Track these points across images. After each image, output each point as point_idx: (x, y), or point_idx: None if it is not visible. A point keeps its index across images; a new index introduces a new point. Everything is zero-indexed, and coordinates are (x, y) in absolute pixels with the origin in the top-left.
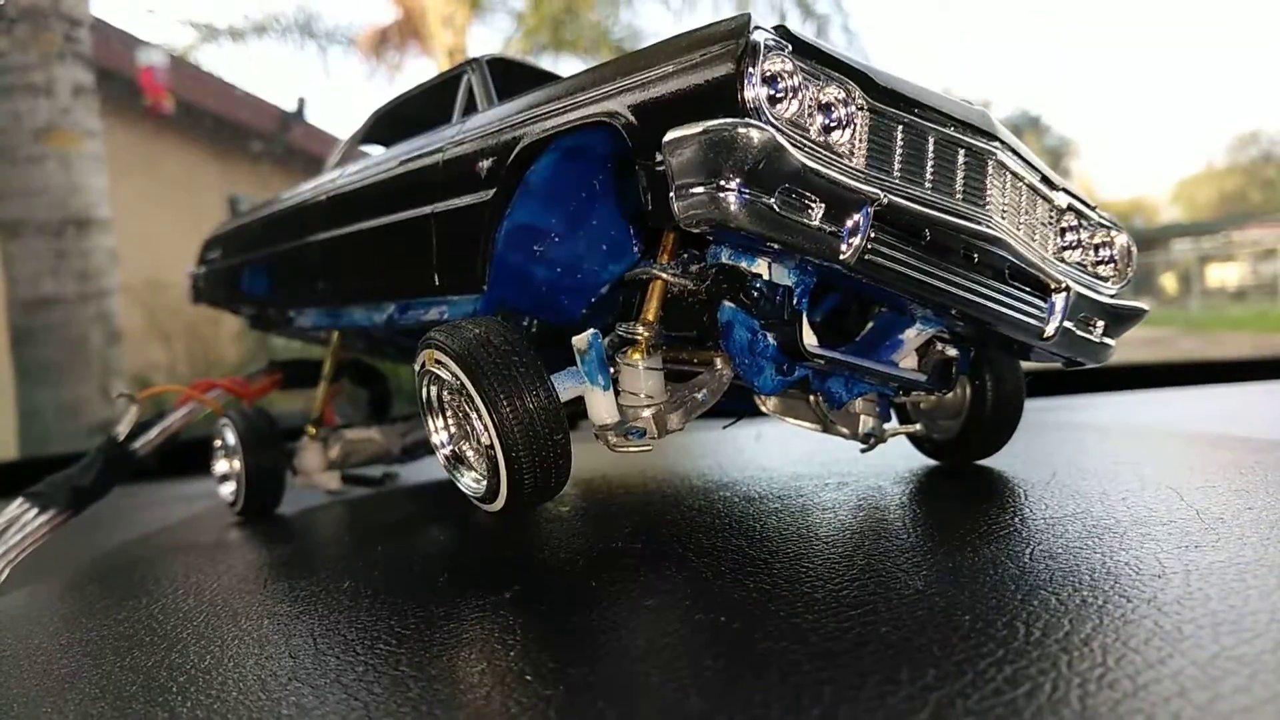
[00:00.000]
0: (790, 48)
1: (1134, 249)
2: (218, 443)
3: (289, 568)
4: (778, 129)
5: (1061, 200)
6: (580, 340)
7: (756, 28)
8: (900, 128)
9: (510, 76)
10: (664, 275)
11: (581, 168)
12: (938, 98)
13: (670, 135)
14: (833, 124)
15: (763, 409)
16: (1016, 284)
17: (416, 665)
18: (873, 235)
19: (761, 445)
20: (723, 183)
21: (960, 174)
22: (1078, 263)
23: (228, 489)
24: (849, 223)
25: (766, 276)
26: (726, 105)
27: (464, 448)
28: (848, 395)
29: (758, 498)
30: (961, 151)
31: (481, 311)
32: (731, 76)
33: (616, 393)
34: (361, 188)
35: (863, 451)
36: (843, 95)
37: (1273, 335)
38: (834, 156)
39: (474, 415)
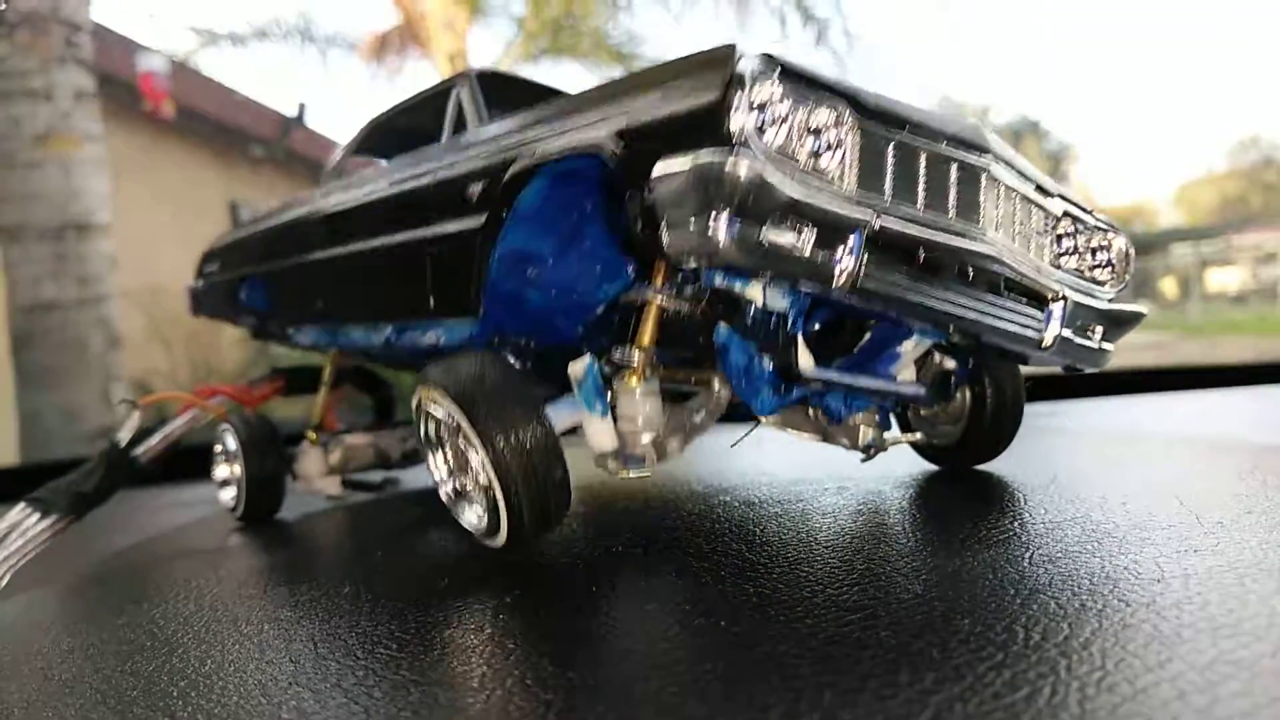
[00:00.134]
0: (777, 72)
1: (1131, 251)
2: (218, 448)
3: (289, 572)
4: (766, 159)
5: (1057, 207)
6: (576, 368)
7: (742, 55)
8: (891, 147)
9: (500, 89)
10: (658, 299)
11: (572, 191)
12: (928, 114)
13: (658, 169)
14: (822, 148)
15: (761, 419)
16: (1013, 296)
17: (417, 670)
18: (866, 259)
19: (761, 450)
20: (711, 217)
21: (953, 191)
22: (1074, 269)
23: (228, 494)
24: (841, 249)
25: (761, 302)
26: (713, 135)
27: (464, 483)
28: (847, 411)
29: (758, 502)
30: (953, 167)
31: (478, 336)
32: (718, 106)
33: (614, 419)
34: (356, 208)
35: (863, 461)
36: (831, 118)
37: (1273, 339)
38: (824, 182)
39: (471, 453)
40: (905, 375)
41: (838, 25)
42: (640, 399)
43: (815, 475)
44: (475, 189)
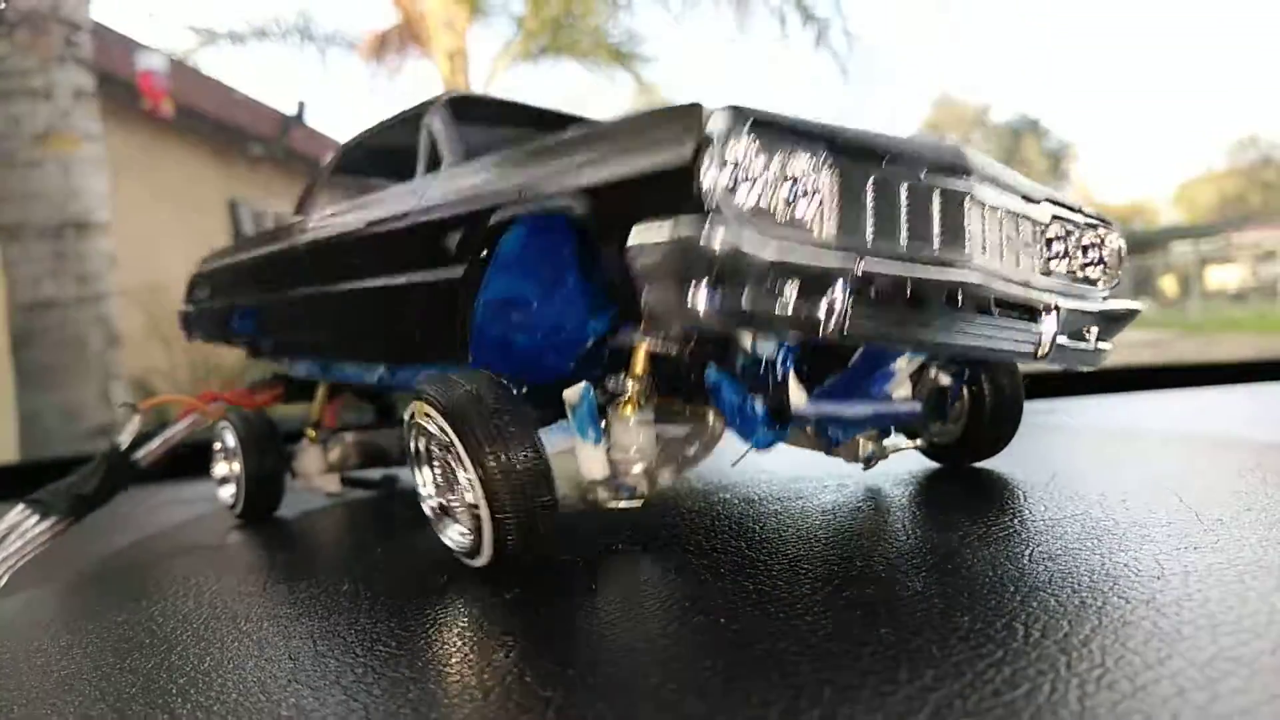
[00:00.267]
0: (747, 126)
1: (1123, 246)
2: (217, 445)
3: (288, 570)
4: (740, 222)
5: (1044, 214)
6: (572, 394)
7: (710, 114)
8: (870, 184)
9: (474, 113)
10: (645, 343)
11: (550, 239)
12: (905, 143)
13: (634, 238)
14: (798, 196)
15: None
16: (1004, 313)
17: (416, 667)
18: (851, 304)
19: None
20: (690, 289)
21: (936, 220)
22: (1066, 272)
23: (227, 491)
24: (826, 299)
25: (749, 349)
26: (685, 196)
27: (451, 500)
28: (845, 436)
29: (757, 500)
30: (935, 195)
31: None
32: (687, 169)
33: (607, 447)
34: (336, 247)
35: (864, 470)
36: (807, 164)
37: (1273, 337)
38: (803, 232)
39: (460, 470)
40: (901, 393)
41: (837, 25)
42: (634, 428)
43: (815, 472)
44: (453, 238)
